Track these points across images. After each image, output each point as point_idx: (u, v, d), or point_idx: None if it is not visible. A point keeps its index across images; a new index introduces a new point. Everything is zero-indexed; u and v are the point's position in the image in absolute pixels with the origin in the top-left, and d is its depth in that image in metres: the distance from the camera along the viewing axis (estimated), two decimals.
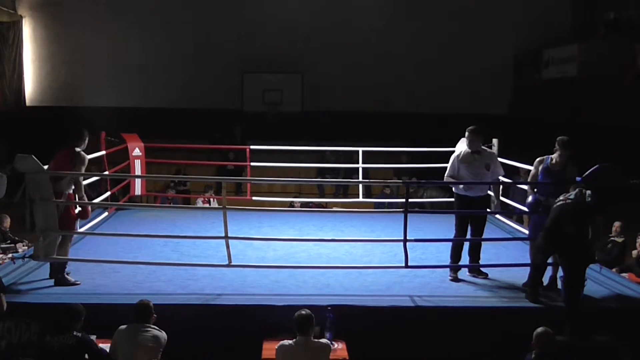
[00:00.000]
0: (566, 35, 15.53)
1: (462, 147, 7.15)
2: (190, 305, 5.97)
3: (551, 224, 5.98)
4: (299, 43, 16.20)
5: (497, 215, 9.42)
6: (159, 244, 7.73)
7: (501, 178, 7.21)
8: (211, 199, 12.54)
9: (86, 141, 6.67)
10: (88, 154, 6.77)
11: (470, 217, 6.93)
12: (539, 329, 5.07)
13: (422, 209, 11.49)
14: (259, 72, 16.35)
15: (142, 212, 9.90)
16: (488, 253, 7.39)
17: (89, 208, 6.91)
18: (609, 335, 5.71)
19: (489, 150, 7.23)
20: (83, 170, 6.54)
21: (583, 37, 14.53)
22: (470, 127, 7.01)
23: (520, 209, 8.72)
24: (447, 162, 7.14)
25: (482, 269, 6.95)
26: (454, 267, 6.90)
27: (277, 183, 13.31)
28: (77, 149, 6.49)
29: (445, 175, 7.08)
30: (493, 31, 16.17)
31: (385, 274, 6.79)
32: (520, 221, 9.96)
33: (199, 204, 12.38)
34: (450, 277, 6.86)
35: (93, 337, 5.25)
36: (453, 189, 7.16)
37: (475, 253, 7.01)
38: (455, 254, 6.96)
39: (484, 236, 7.05)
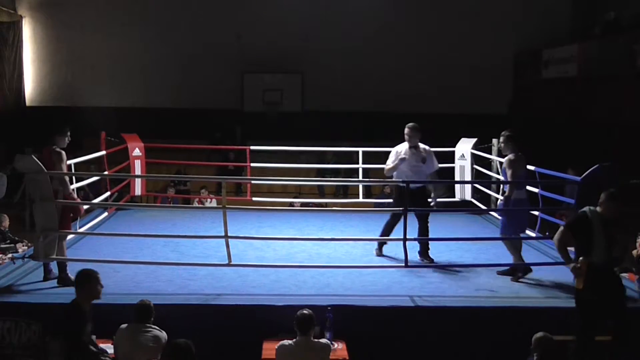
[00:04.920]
0: (566, 35, 15.53)
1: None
2: (190, 305, 5.97)
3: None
4: (299, 43, 16.21)
5: (495, 214, 9.42)
6: (159, 244, 7.72)
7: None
8: (208, 199, 12.53)
9: (67, 138, 6.56)
10: (88, 154, 6.76)
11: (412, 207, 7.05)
12: (538, 334, 5.05)
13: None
14: (259, 72, 16.37)
15: (142, 212, 9.91)
16: (488, 253, 7.38)
17: (80, 207, 6.86)
18: (609, 335, 5.71)
19: (423, 145, 7.52)
20: (64, 168, 6.47)
21: (583, 37, 14.52)
22: (411, 124, 7.39)
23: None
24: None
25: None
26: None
27: (277, 183, 13.31)
28: (55, 148, 6.40)
29: (387, 165, 7.42)
30: (493, 31, 16.18)
31: (385, 274, 6.79)
32: None
33: (194, 205, 12.37)
34: (375, 253, 7.47)
35: (93, 337, 5.26)
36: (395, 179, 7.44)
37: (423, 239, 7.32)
38: (385, 231, 7.39)
39: (429, 224, 7.34)
